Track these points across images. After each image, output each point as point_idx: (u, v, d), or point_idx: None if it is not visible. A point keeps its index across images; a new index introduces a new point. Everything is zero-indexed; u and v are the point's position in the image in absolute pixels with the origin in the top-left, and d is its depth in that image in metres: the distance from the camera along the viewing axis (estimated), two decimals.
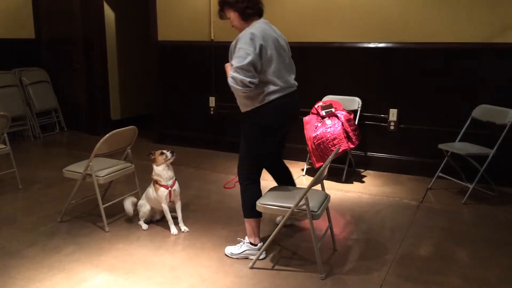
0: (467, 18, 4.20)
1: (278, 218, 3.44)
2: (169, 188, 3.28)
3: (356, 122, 4.52)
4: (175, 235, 3.29)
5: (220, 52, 5.35)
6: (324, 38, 4.78)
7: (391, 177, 4.58)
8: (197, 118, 5.65)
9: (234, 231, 3.37)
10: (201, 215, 3.67)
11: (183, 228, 3.36)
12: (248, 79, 2.66)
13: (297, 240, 3.25)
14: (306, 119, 4.55)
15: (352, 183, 4.45)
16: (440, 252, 3.08)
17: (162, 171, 3.27)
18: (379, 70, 4.59)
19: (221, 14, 2.95)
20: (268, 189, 3.04)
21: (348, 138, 4.30)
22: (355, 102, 4.67)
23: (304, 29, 4.85)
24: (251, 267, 2.84)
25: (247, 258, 2.95)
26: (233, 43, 2.78)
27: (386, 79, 4.58)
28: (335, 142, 4.24)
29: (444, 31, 4.29)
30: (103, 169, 3.40)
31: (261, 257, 2.93)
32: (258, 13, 2.85)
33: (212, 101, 5.50)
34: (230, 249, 3.03)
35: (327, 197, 2.93)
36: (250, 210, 2.92)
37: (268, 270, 2.84)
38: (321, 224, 3.30)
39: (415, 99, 4.52)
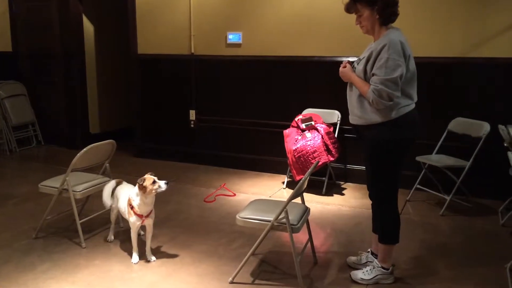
0: (443, 33, 4.30)
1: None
2: (143, 218, 3.00)
3: (336, 135, 4.56)
4: (136, 263, 3.04)
5: (200, 65, 5.36)
6: (305, 52, 4.83)
7: None
8: (177, 132, 5.63)
9: (214, 245, 3.34)
10: (181, 230, 3.62)
11: (150, 257, 3.08)
12: (396, 93, 2.44)
13: (278, 253, 3.24)
14: (286, 132, 4.58)
15: (332, 195, 4.47)
16: (419, 263, 3.10)
17: (142, 204, 2.93)
18: None
19: (350, 8, 2.60)
20: (248, 203, 3.02)
21: (328, 151, 4.33)
22: (335, 115, 4.72)
23: (285, 43, 4.90)
24: (231, 282, 2.82)
25: (378, 283, 2.80)
26: (376, 48, 2.50)
27: None
28: (315, 155, 4.26)
29: (420, 45, 4.37)
30: (80, 183, 3.35)
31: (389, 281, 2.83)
32: (395, 20, 2.61)
33: (192, 114, 5.49)
34: (359, 275, 2.83)
35: (307, 210, 2.93)
36: (390, 236, 2.76)
37: (249, 285, 2.81)
38: (301, 237, 3.30)
39: None
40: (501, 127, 3.68)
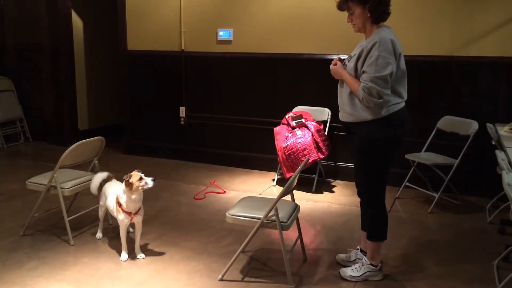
0: (432, 32, 4.33)
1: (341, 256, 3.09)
2: (132, 216, 2.97)
3: (326, 133, 4.57)
4: (124, 261, 3.03)
5: (191, 62, 5.33)
6: (295, 50, 4.83)
7: None
8: (167, 129, 5.60)
9: (204, 243, 3.33)
10: (170, 227, 3.61)
11: (139, 255, 3.07)
12: (386, 91, 2.45)
13: (268, 251, 3.24)
14: (276, 129, 4.57)
15: (322, 193, 4.48)
16: (407, 260, 3.12)
17: (129, 201, 2.90)
18: None
19: (342, 6, 2.60)
20: (238, 200, 3.02)
21: (318, 148, 4.34)
22: (325, 113, 4.73)
23: (276, 40, 4.89)
24: (221, 279, 2.81)
25: (367, 280, 2.81)
26: (367, 46, 2.50)
27: None
28: (305, 152, 4.27)
29: (410, 44, 4.39)
30: (68, 180, 3.31)
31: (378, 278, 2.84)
32: (387, 18, 2.61)
33: (182, 111, 5.46)
34: (348, 272, 2.84)
35: (297, 207, 2.94)
36: (379, 233, 2.77)
37: (238, 282, 2.81)
38: (291, 234, 3.30)
39: None
40: (489, 126, 3.71)
